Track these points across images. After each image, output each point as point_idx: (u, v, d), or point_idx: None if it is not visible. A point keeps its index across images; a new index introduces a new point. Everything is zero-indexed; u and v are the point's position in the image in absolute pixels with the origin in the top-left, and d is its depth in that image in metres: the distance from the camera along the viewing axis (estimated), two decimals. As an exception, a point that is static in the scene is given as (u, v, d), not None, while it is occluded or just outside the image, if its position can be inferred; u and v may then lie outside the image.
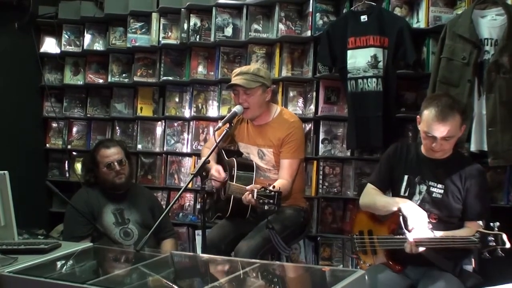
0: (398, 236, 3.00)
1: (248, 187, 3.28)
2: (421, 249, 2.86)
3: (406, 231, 2.91)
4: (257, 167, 3.76)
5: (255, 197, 3.13)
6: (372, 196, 3.23)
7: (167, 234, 3.99)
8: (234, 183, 3.56)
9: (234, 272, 2.60)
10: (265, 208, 3.10)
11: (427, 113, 3.00)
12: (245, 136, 3.87)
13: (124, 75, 5.25)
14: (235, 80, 3.65)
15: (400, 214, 2.96)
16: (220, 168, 3.69)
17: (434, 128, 2.96)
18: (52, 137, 5.51)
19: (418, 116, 3.11)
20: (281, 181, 3.56)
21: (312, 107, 4.53)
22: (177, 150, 5.10)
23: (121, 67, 5.26)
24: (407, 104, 4.26)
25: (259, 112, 3.73)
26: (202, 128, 5.01)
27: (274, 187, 3.12)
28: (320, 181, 4.49)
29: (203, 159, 3.29)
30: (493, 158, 3.47)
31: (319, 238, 4.49)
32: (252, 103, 3.66)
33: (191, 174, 3.34)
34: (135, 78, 5.13)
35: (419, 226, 2.88)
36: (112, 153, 3.83)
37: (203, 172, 3.23)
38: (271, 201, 3.07)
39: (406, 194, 3.12)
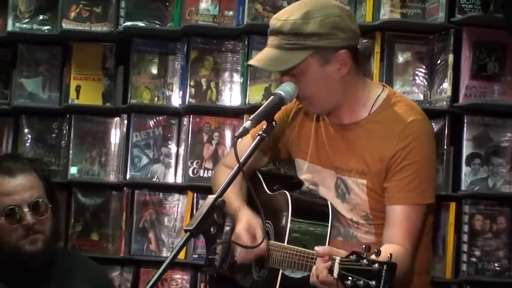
0: None
1: (319, 250, 3.22)
2: None
3: None
4: (334, 214, 3.78)
5: (335, 274, 3.08)
6: None
7: None
8: (286, 244, 3.58)
9: None
10: None
11: None
12: (309, 147, 3.87)
13: (41, 18, 5.32)
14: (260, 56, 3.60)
15: None
16: (255, 224, 3.68)
17: None
18: None
19: None
20: (392, 247, 3.47)
21: (446, 86, 4.67)
22: (154, 179, 5.16)
23: (37, 2, 5.32)
24: None
25: (329, 104, 3.68)
26: (209, 131, 5.06)
27: (378, 252, 3.02)
28: (465, 248, 4.58)
29: (210, 197, 3.22)
30: None
31: None
32: (309, 90, 3.61)
33: (185, 230, 3.19)
34: (65, 25, 5.20)
35: None
36: (18, 188, 3.79)
37: (211, 226, 3.14)
38: (373, 283, 2.98)
39: None
